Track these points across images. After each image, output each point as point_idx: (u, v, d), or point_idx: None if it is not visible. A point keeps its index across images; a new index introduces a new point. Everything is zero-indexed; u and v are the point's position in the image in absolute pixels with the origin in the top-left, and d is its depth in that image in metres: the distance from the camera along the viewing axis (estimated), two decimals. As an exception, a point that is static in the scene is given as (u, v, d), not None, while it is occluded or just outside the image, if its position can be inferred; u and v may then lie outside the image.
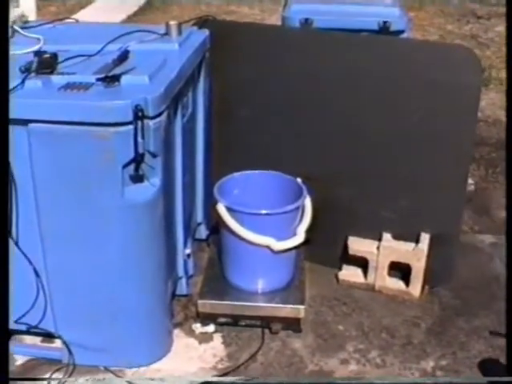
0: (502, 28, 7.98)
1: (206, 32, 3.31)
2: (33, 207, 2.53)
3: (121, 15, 8.84)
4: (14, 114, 2.32)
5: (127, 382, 2.78)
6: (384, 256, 3.32)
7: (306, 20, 4.09)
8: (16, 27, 3.08)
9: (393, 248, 3.31)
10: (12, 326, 2.70)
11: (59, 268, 2.66)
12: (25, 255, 2.62)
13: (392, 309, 3.25)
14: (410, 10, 6.59)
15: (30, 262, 2.64)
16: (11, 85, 2.38)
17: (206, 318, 3.10)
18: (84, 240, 2.59)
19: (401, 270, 3.35)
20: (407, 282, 3.33)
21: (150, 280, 2.75)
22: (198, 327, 3.11)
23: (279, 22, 4.63)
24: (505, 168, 2.32)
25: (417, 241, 3.28)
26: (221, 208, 2.99)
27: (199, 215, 3.58)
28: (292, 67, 3.34)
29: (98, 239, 2.59)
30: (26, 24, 3.24)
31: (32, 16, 6.94)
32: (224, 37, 3.36)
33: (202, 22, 3.47)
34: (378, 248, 3.33)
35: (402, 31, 4.20)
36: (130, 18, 8.89)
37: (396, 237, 3.33)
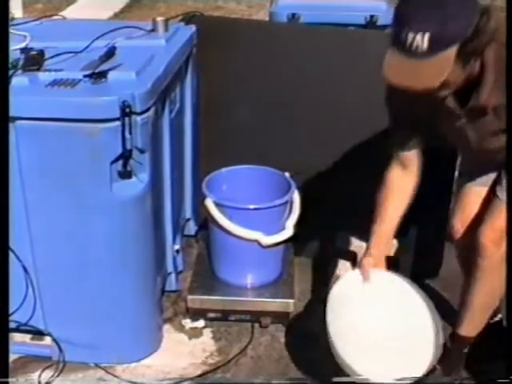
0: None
1: (192, 28, 3.31)
2: (21, 204, 2.53)
3: (108, 12, 8.82)
4: (-1, 111, 2.32)
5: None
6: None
7: (294, 15, 4.10)
8: (2, 24, 3.06)
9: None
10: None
11: (48, 265, 2.66)
12: (13, 252, 2.61)
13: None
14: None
15: (19, 259, 2.64)
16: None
17: (195, 314, 3.11)
18: (72, 236, 2.59)
19: (389, 264, 3.35)
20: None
21: (139, 276, 2.76)
22: (187, 322, 3.11)
23: (267, 18, 4.64)
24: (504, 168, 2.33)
25: (405, 235, 3.29)
26: (209, 203, 2.99)
27: (188, 211, 3.58)
28: (279, 62, 3.35)
29: (86, 235, 2.59)
30: (12, 21, 3.22)
31: (18, 13, 6.93)
32: (211, 32, 3.36)
33: (188, 18, 3.47)
34: (366, 242, 3.34)
35: (389, 26, 4.20)
36: (116, 15, 8.88)
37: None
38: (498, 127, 2.22)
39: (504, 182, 2.41)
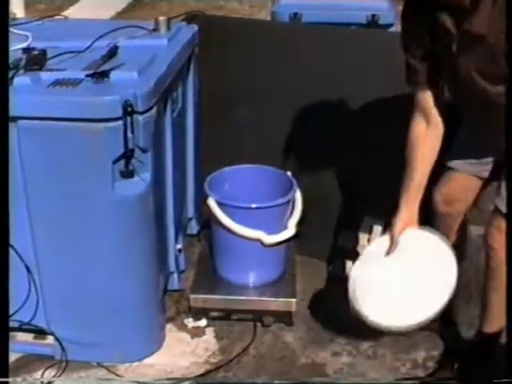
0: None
1: (194, 27, 3.32)
2: (23, 204, 2.54)
3: (110, 12, 8.82)
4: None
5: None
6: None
7: (295, 14, 4.11)
8: (4, 24, 3.07)
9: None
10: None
11: (50, 264, 2.67)
12: (16, 251, 2.62)
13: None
14: (400, 2, 6.60)
15: (21, 259, 2.65)
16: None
17: (197, 313, 3.11)
18: (75, 236, 2.60)
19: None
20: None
21: (141, 275, 2.76)
22: (190, 322, 3.11)
23: (268, 17, 4.64)
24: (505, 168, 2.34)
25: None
26: (211, 202, 2.99)
27: (190, 210, 3.58)
28: (281, 62, 3.35)
29: (88, 235, 2.60)
30: (14, 21, 3.23)
31: (21, 14, 6.94)
32: (213, 32, 3.38)
33: (190, 18, 3.48)
34: (368, 241, 3.34)
35: (391, 24, 4.21)
36: (119, 15, 8.88)
37: (385, 228, 3.34)
38: (485, 61, 2.22)
39: (503, 192, 2.43)
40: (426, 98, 2.52)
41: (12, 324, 2.77)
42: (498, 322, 2.69)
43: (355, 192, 3.38)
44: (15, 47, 2.75)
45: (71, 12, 8.57)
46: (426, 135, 2.57)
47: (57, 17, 3.78)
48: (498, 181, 2.55)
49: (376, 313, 2.60)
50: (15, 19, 3.33)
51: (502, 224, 2.45)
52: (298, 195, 3.13)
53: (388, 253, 2.66)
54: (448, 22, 2.26)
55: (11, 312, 2.72)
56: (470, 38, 2.21)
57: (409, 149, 2.60)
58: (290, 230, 3.04)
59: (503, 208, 2.43)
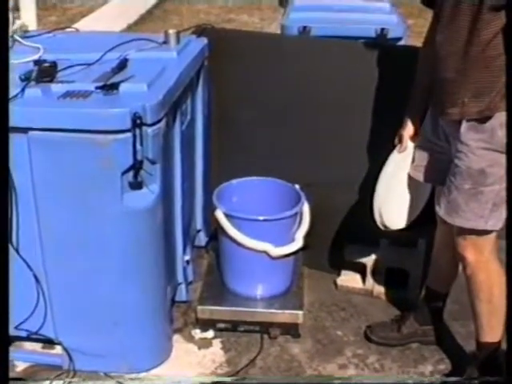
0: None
1: (204, 40, 3.33)
2: (33, 214, 2.56)
3: (121, 24, 8.86)
4: (14, 122, 2.34)
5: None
6: (381, 262, 3.35)
7: (305, 28, 4.13)
8: (16, 37, 3.10)
9: (390, 254, 3.34)
10: (12, 332, 2.70)
11: (59, 274, 2.68)
12: (25, 261, 2.64)
13: (390, 314, 3.25)
14: (409, 16, 6.62)
15: (30, 268, 2.66)
16: (11, 93, 2.40)
17: (205, 324, 3.12)
18: (84, 246, 2.62)
19: (398, 276, 3.36)
20: (405, 287, 3.35)
21: (149, 286, 2.77)
22: (197, 333, 3.12)
23: (278, 31, 4.66)
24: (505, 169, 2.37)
25: (414, 246, 3.30)
26: (219, 214, 3.01)
27: (198, 222, 3.60)
28: (291, 75, 3.36)
29: (97, 245, 2.61)
30: (26, 33, 3.26)
31: (32, 26, 6.98)
32: (222, 45, 3.39)
33: (200, 31, 3.49)
34: (375, 254, 3.35)
35: (400, 38, 4.23)
36: (130, 27, 8.92)
37: (393, 243, 3.35)
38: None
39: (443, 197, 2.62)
40: (432, 26, 2.64)
41: (20, 333, 2.79)
42: (490, 330, 2.72)
43: (363, 205, 3.38)
44: (26, 59, 2.77)
45: (82, 24, 8.61)
46: (428, 56, 2.65)
47: (68, 29, 3.81)
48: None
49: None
50: (27, 31, 3.35)
51: (463, 231, 2.57)
52: (306, 208, 3.14)
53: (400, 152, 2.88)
54: None
55: (20, 321, 2.75)
56: None
57: (418, 63, 2.80)
58: (298, 243, 3.06)
59: (449, 219, 2.59)
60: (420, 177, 2.82)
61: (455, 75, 2.45)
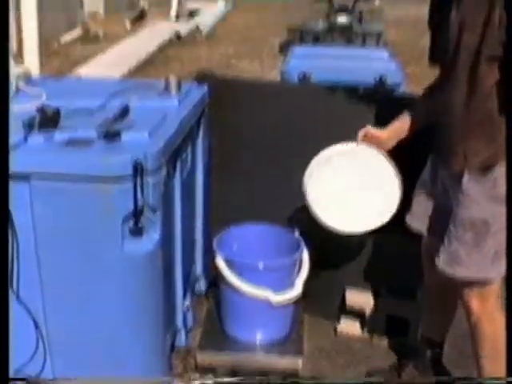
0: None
1: (204, 88, 3.36)
2: (34, 259, 2.57)
3: (123, 69, 8.94)
4: (16, 168, 2.37)
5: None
6: (381, 309, 3.35)
7: (304, 75, 4.18)
8: (20, 83, 3.13)
9: (389, 301, 3.34)
10: (11, 376, 2.69)
11: (59, 319, 2.68)
12: (25, 306, 2.63)
13: (390, 361, 3.24)
14: (408, 63, 6.70)
15: (30, 313, 2.66)
16: (14, 140, 2.43)
17: (204, 370, 3.11)
18: (84, 292, 2.62)
19: (398, 323, 3.36)
20: (405, 334, 3.34)
21: (149, 332, 2.77)
22: (196, 379, 3.11)
23: (279, 77, 4.71)
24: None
25: (413, 297, 3.30)
26: (220, 261, 3.02)
27: (198, 268, 3.60)
28: (289, 121, 3.40)
29: (97, 291, 2.62)
30: (29, 79, 3.29)
31: (36, 70, 7.07)
32: (223, 92, 3.43)
33: (201, 77, 3.53)
34: (375, 301, 3.35)
35: (399, 85, 4.28)
36: (131, 73, 8.99)
37: (393, 290, 3.35)
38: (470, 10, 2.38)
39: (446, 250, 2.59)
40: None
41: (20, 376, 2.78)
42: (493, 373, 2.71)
43: (362, 252, 3.40)
44: (30, 105, 2.80)
45: (85, 69, 8.71)
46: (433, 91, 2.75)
47: (71, 75, 3.85)
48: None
49: (332, 219, 2.90)
50: (30, 77, 3.38)
51: (467, 281, 2.58)
52: (306, 255, 3.15)
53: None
54: None
55: (19, 366, 2.73)
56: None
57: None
58: (297, 290, 3.06)
59: (449, 270, 2.59)
60: (417, 225, 2.82)
61: (457, 128, 2.48)
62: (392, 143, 2.87)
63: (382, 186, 2.90)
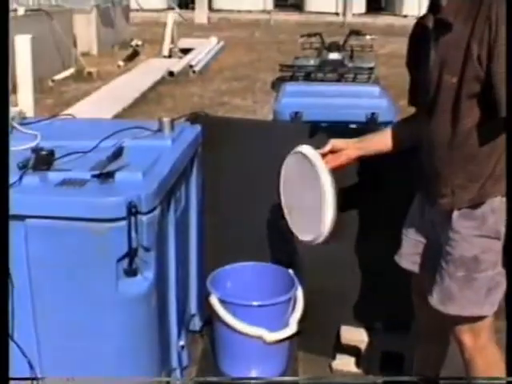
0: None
1: (198, 128, 3.38)
2: (28, 299, 2.56)
3: (116, 107, 9.00)
4: (11, 209, 2.36)
5: None
6: (376, 345, 3.35)
7: (296, 113, 4.21)
8: (14, 124, 3.16)
9: (384, 337, 3.34)
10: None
11: (54, 360, 2.66)
12: (19, 347, 2.62)
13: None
14: (399, 98, 6.73)
15: (25, 355, 2.65)
16: (10, 181, 2.44)
17: (200, 409, 3.11)
18: (79, 332, 2.61)
19: (394, 359, 3.36)
20: (401, 370, 3.34)
21: (144, 371, 2.76)
22: (193, 417, 3.11)
23: (271, 114, 4.75)
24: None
25: (407, 329, 3.30)
26: (213, 300, 3.03)
27: (193, 307, 3.59)
28: (281, 160, 3.41)
29: (92, 332, 2.61)
30: (24, 120, 3.32)
31: (30, 109, 7.11)
32: (216, 132, 3.45)
33: (194, 118, 3.56)
34: (370, 337, 3.36)
35: (391, 122, 4.30)
36: (125, 111, 9.05)
37: (388, 326, 3.35)
38: (451, 50, 2.40)
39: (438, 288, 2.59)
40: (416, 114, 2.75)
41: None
42: None
43: (356, 288, 3.40)
44: (24, 146, 2.82)
45: (78, 107, 8.76)
46: (409, 124, 2.80)
47: (65, 115, 3.87)
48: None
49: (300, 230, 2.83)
50: (25, 118, 3.41)
51: (459, 317, 2.58)
52: (300, 292, 3.16)
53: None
54: (429, 22, 2.49)
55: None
56: (440, 27, 2.43)
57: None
58: (292, 328, 3.07)
59: (442, 307, 2.58)
60: (406, 264, 2.84)
61: (442, 166, 2.51)
62: (354, 154, 2.82)
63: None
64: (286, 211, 2.90)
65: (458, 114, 2.41)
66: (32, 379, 2.72)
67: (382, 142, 2.85)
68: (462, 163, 2.46)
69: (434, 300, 2.61)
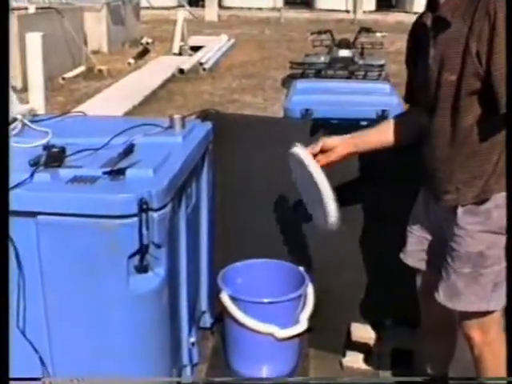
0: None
1: (209, 125, 3.38)
2: (39, 296, 2.57)
3: (127, 105, 9.01)
4: (22, 206, 2.40)
5: None
6: (387, 342, 3.35)
7: (307, 111, 4.21)
8: (25, 121, 3.17)
9: (395, 334, 3.34)
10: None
11: (65, 356, 2.67)
12: (31, 343, 2.64)
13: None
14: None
15: (36, 351, 2.66)
16: (21, 178, 2.46)
17: (210, 406, 3.12)
18: (90, 329, 2.62)
19: (404, 356, 3.36)
20: (411, 367, 3.34)
21: (154, 368, 2.76)
22: (203, 414, 3.11)
23: (281, 111, 4.75)
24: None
25: (419, 326, 3.30)
26: (224, 297, 3.03)
27: (203, 304, 3.60)
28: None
29: (103, 328, 2.62)
30: (35, 117, 3.33)
31: (41, 107, 7.13)
32: (226, 129, 3.45)
33: (204, 115, 3.56)
34: (380, 334, 3.36)
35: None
36: (135, 108, 9.06)
37: (398, 323, 3.35)
38: (449, 47, 2.41)
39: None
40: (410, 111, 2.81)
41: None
42: None
43: (367, 285, 3.40)
44: (36, 143, 2.84)
45: (89, 105, 8.77)
46: (403, 121, 2.81)
47: (76, 113, 3.88)
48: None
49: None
50: (36, 115, 3.42)
51: (467, 313, 2.59)
52: (310, 289, 3.16)
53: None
54: (428, 19, 2.51)
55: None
56: (438, 24, 2.44)
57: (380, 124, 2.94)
58: (302, 325, 3.07)
59: (449, 303, 2.59)
60: (412, 261, 2.84)
61: (445, 164, 2.51)
62: (344, 151, 2.81)
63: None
64: (308, 206, 2.94)
65: (458, 111, 2.41)
66: (31, 379, 2.74)
67: (374, 138, 2.85)
68: (464, 160, 2.46)
69: (441, 297, 2.61)
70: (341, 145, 2.80)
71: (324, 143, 2.79)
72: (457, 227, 2.51)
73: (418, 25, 2.60)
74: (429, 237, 2.75)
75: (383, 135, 2.82)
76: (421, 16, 2.59)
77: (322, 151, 2.79)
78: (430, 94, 2.49)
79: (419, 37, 2.58)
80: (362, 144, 2.83)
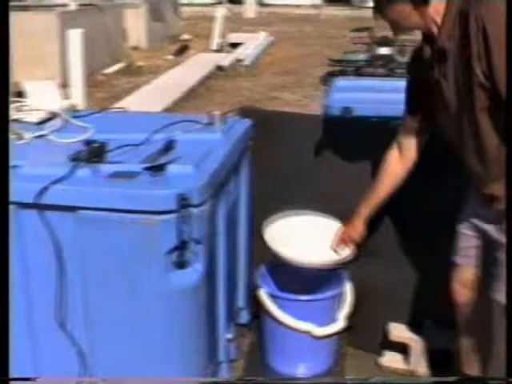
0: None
1: (248, 121, 3.38)
2: (78, 290, 2.59)
3: (166, 101, 9.04)
4: (63, 200, 2.44)
5: None
6: (425, 342, 3.32)
7: (347, 108, 4.17)
8: (67, 116, 3.20)
9: (434, 334, 3.31)
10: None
11: (103, 351, 2.69)
12: (70, 336, 2.66)
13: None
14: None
15: (75, 344, 2.68)
16: (62, 173, 2.49)
17: (247, 403, 3.12)
18: (128, 324, 2.63)
19: (443, 356, 3.33)
20: (450, 368, 3.31)
21: (191, 364, 2.78)
22: (238, 411, 3.12)
23: (320, 108, 4.71)
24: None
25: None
26: (262, 294, 3.03)
27: (241, 300, 3.60)
28: (332, 155, 3.41)
29: (142, 323, 2.63)
30: (75, 113, 3.36)
31: (81, 102, 7.20)
32: (265, 125, 3.45)
33: (244, 112, 3.56)
34: (419, 334, 3.33)
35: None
36: (175, 104, 9.09)
37: (437, 323, 3.33)
38: (459, 69, 2.41)
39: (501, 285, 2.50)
40: (407, 135, 2.89)
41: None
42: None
43: (406, 284, 3.38)
44: (77, 139, 2.86)
45: (129, 101, 8.82)
46: (396, 164, 2.94)
47: (116, 109, 3.91)
48: None
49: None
50: (76, 111, 3.45)
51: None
52: (349, 288, 3.15)
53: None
54: (427, 52, 2.54)
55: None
56: (439, 55, 2.46)
57: (380, 170, 3.01)
58: (340, 323, 3.06)
59: (503, 300, 2.48)
60: (460, 260, 2.81)
61: (484, 167, 2.51)
62: (357, 232, 3.12)
63: None
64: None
65: (478, 124, 2.42)
66: (30, 379, 2.76)
67: (381, 195, 3.00)
68: (497, 164, 2.43)
69: (500, 295, 2.56)
70: (351, 229, 3.12)
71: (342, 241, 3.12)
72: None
73: (418, 58, 2.64)
74: (477, 234, 2.73)
75: (387, 187, 2.98)
76: (419, 49, 2.63)
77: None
78: (451, 112, 2.51)
79: (422, 69, 2.61)
80: (372, 212, 3.07)
